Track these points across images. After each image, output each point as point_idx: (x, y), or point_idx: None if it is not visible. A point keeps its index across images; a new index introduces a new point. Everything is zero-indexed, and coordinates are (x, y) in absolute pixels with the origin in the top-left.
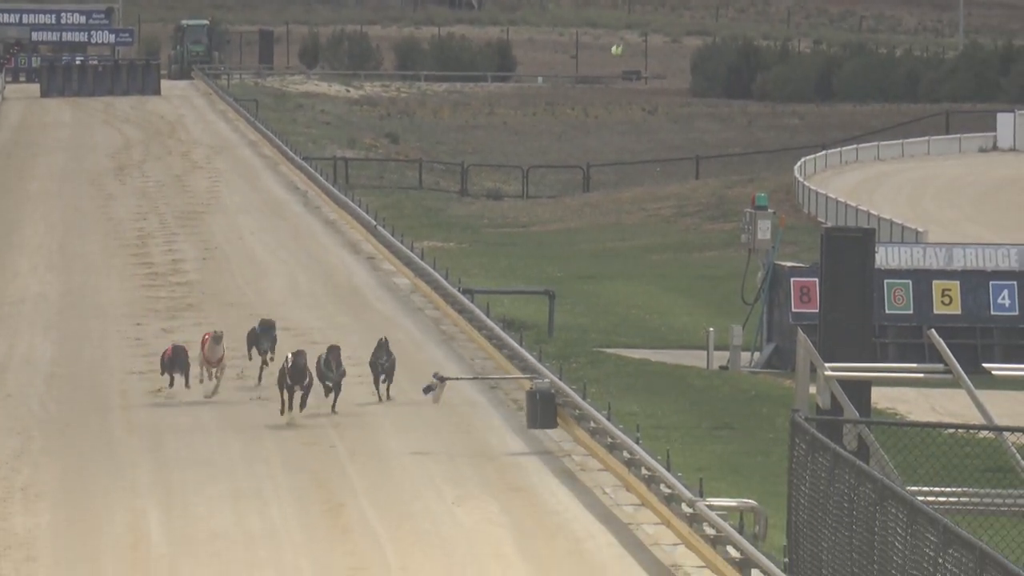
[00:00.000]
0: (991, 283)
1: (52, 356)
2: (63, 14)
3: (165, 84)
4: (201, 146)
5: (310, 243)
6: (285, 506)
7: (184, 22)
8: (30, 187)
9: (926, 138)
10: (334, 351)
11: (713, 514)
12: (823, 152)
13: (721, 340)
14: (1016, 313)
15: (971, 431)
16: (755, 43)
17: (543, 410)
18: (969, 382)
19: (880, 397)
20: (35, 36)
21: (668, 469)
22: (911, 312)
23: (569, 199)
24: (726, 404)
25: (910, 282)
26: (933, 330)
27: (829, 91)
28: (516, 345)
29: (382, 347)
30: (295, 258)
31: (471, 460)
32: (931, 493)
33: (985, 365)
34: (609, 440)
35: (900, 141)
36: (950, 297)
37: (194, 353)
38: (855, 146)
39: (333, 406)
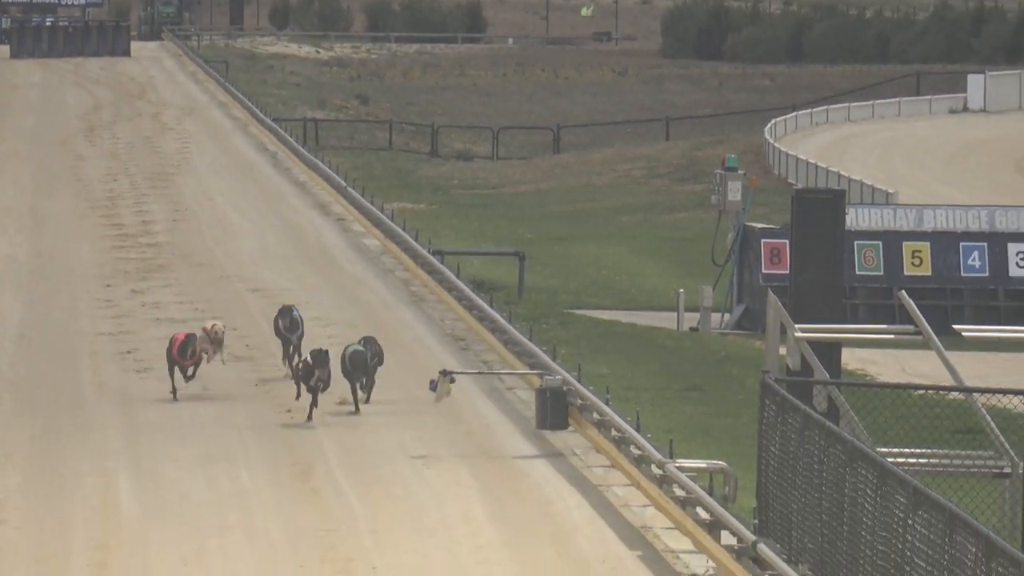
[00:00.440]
0: (961, 244)
1: (22, 318)
2: None
3: (135, 45)
4: (171, 108)
5: (280, 205)
6: (255, 469)
7: None
8: (0, 148)
9: (896, 99)
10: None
11: (683, 476)
12: (793, 113)
13: (691, 301)
14: (986, 274)
15: (941, 392)
16: (725, 4)
17: (554, 409)
18: (939, 343)
19: (850, 358)
20: None
21: (638, 431)
22: (881, 273)
23: (539, 160)
24: (696, 365)
25: (880, 243)
26: (903, 291)
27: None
28: (486, 306)
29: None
30: (265, 219)
31: (440, 423)
32: (901, 454)
33: (955, 326)
34: (579, 402)
35: (870, 102)
36: (920, 258)
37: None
38: (825, 107)
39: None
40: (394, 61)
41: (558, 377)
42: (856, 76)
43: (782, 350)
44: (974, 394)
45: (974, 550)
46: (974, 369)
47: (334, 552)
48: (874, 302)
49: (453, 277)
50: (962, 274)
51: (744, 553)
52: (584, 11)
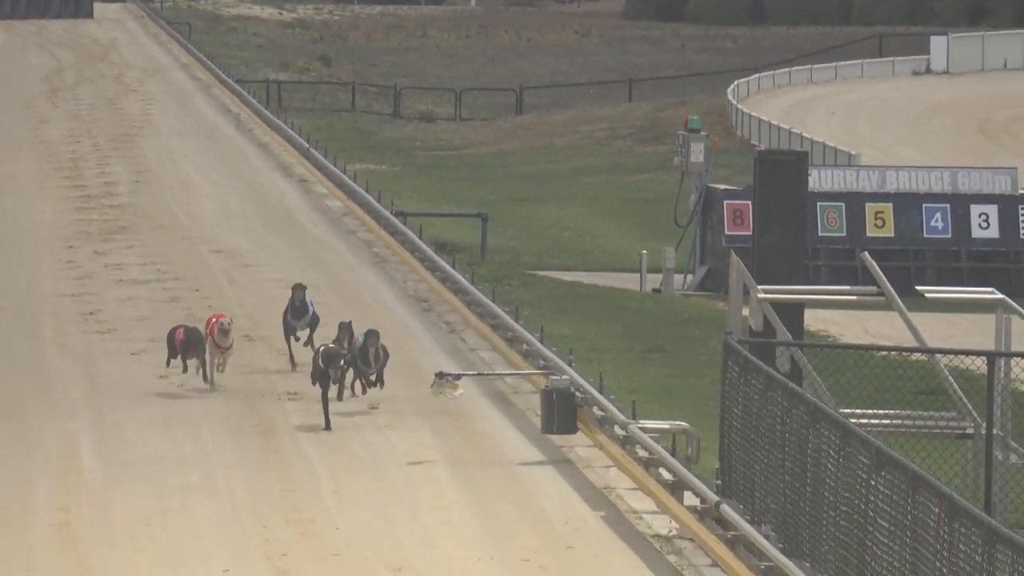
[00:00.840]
0: (924, 206)
1: None
2: None
3: (98, 7)
4: (134, 69)
5: (243, 166)
6: (217, 430)
7: None
8: None
9: (859, 61)
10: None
11: (646, 436)
12: (756, 75)
13: (654, 263)
14: (949, 236)
15: (904, 353)
16: None
17: (561, 412)
18: (902, 304)
19: (813, 319)
20: None
21: (601, 392)
22: (844, 235)
23: (502, 122)
24: (659, 327)
25: (843, 205)
26: (866, 252)
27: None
28: (449, 268)
29: (344, 331)
30: (228, 181)
31: (403, 385)
32: (864, 415)
33: (918, 287)
34: (541, 363)
35: (833, 64)
36: (883, 220)
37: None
38: (788, 69)
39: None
40: (357, 23)
41: (564, 377)
42: (819, 38)
43: (745, 311)
44: (937, 355)
45: (937, 511)
46: (937, 330)
47: (297, 513)
48: (837, 263)
49: (416, 238)
50: (925, 235)
51: (707, 514)
52: None
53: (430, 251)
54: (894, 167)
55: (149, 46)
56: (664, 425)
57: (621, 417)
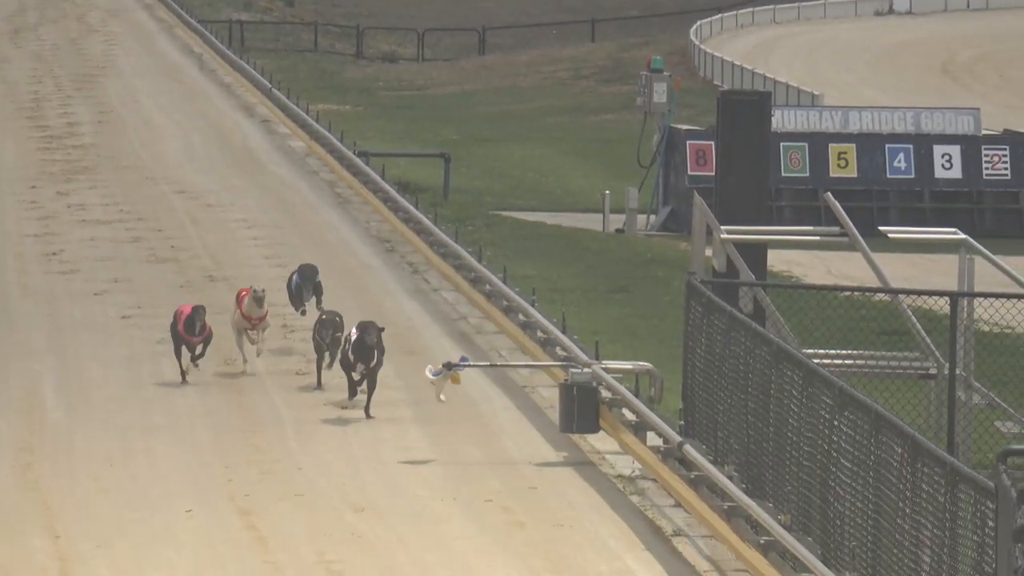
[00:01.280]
0: (887, 146)
1: None
2: None
3: None
4: (96, 9)
5: (205, 106)
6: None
7: None
8: None
9: (822, 1)
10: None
11: (609, 377)
12: (719, 15)
13: (617, 203)
14: (912, 176)
15: (867, 294)
16: None
17: (581, 409)
18: (865, 245)
19: (776, 260)
20: None
21: (564, 332)
22: (807, 175)
23: (465, 62)
24: (622, 267)
25: (806, 145)
26: (829, 193)
27: None
28: (411, 208)
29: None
30: (190, 121)
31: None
32: (827, 356)
33: (881, 228)
34: (504, 303)
35: (796, 4)
36: (846, 160)
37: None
38: (751, 9)
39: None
40: None
41: (587, 371)
42: None
43: (708, 252)
44: (900, 295)
45: (899, 451)
46: (900, 271)
47: (260, 453)
48: (800, 204)
49: (378, 179)
50: (888, 176)
51: (670, 454)
52: None
53: (393, 191)
54: (857, 107)
55: None
56: (627, 365)
57: (584, 357)
